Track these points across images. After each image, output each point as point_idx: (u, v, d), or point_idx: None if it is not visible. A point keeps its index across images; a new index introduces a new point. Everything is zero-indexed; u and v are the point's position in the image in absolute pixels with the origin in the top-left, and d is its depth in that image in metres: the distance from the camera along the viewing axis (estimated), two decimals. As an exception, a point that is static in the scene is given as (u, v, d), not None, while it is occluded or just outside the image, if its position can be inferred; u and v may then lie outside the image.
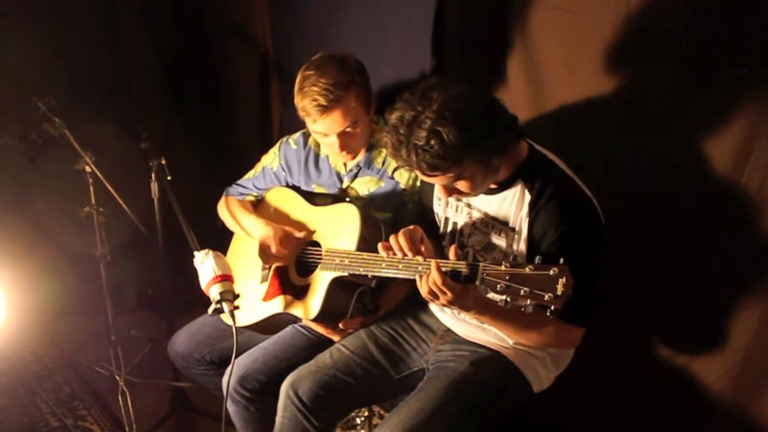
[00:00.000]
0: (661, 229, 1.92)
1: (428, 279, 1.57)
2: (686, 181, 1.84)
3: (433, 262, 1.57)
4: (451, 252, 1.59)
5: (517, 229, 1.73)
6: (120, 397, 2.48)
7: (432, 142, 1.53)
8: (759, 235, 1.74)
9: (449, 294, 1.56)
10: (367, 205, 2.04)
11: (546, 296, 1.41)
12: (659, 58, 1.81)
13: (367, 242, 1.85)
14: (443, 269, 1.56)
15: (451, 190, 1.70)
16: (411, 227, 1.69)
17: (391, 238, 1.66)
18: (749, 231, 1.76)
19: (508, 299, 1.46)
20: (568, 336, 1.74)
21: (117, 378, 2.55)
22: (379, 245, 1.69)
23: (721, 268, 1.83)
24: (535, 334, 1.75)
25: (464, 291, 1.57)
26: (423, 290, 1.60)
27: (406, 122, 1.57)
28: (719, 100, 1.74)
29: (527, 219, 1.70)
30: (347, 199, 2.08)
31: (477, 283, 1.52)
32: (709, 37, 1.71)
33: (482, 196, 1.78)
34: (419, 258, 1.62)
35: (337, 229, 1.94)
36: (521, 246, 1.73)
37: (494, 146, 1.62)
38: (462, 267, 1.55)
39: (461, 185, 1.66)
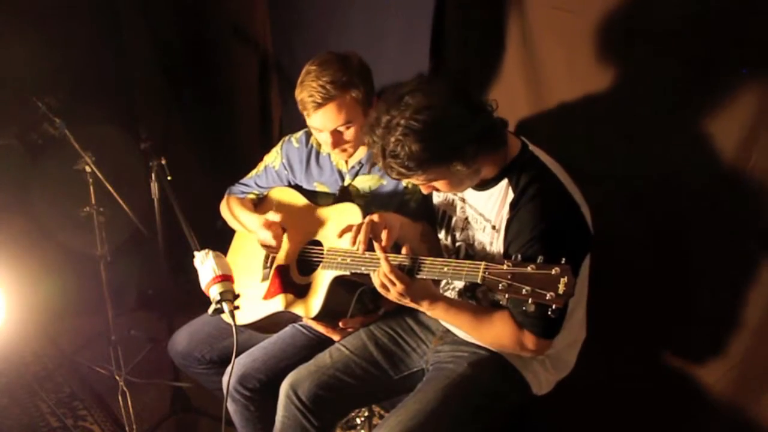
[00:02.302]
0: (660, 228, 1.92)
1: (378, 271, 1.65)
2: (685, 181, 1.84)
3: (381, 254, 1.65)
4: (404, 249, 1.65)
5: (497, 227, 1.73)
6: (120, 397, 2.49)
7: (398, 149, 1.56)
8: (759, 235, 1.74)
9: (399, 284, 1.62)
10: (368, 204, 2.04)
11: (548, 295, 1.41)
12: (659, 58, 1.81)
13: (369, 242, 1.85)
14: (393, 262, 1.63)
15: (428, 187, 1.72)
16: (375, 215, 1.76)
17: (355, 227, 1.75)
18: (749, 232, 1.76)
19: (510, 297, 1.47)
20: (527, 343, 1.69)
21: (117, 378, 2.56)
22: (340, 232, 1.79)
23: (721, 268, 1.83)
24: (489, 334, 1.74)
25: (413, 282, 1.63)
26: (376, 283, 1.67)
27: (382, 125, 1.59)
28: (719, 100, 1.74)
29: (506, 218, 1.69)
30: (348, 197, 2.08)
31: (424, 276, 1.60)
32: (709, 36, 1.71)
33: (473, 192, 1.78)
34: (367, 253, 1.71)
35: (339, 228, 1.94)
36: (500, 245, 1.72)
37: (462, 157, 1.60)
38: (405, 260, 1.64)
39: (438, 185, 1.68)
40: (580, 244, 1.68)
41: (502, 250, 1.71)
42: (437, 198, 1.94)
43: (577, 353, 1.87)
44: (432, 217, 1.96)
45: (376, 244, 1.70)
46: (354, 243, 1.75)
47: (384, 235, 1.74)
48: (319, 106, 1.88)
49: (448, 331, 1.94)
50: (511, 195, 1.69)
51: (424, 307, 1.72)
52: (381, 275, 1.65)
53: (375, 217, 1.76)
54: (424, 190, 1.74)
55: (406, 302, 1.69)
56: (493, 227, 1.73)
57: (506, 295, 1.46)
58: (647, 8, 1.79)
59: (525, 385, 1.82)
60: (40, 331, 3.15)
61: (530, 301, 1.43)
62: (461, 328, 1.80)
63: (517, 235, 1.65)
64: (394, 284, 1.63)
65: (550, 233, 1.61)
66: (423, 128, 1.54)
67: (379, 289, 1.68)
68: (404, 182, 2.02)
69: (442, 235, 1.92)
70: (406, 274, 1.64)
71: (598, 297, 1.80)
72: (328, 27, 2.65)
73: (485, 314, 1.73)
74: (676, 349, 1.99)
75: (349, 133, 1.95)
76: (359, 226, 1.75)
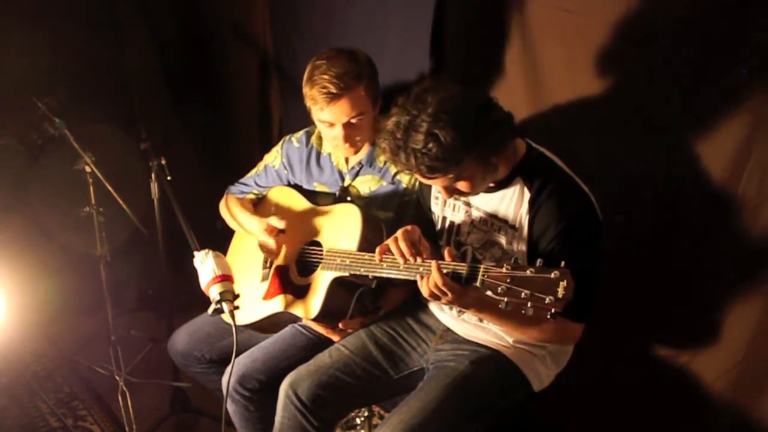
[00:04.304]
0: (660, 228, 1.92)
1: (429, 280, 1.59)
2: (686, 181, 1.84)
3: (433, 263, 1.58)
4: (446, 253, 1.60)
5: (517, 226, 1.74)
6: (120, 397, 2.48)
7: (430, 145, 1.55)
8: (758, 234, 1.75)
9: (450, 294, 1.58)
10: (368, 204, 2.04)
11: (547, 299, 1.41)
12: (658, 58, 1.81)
13: (369, 242, 1.85)
14: (444, 270, 1.57)
15: (451, 191, 1.71)
16: (408, 228, 1.69)
17: (390, 243, 1.67)
18: (749, 231, 1.76)
19: (509, 301, 1.46)
20: (568, 332, 1.74)
21: (117, 378, 2.55)
22: (376, 251, 1.69)
23: (721, 267, 1.83)
24: (535, 330, 1.75)
25: (464, 291, 1.59)
26: (424, 291, 1.62)
27: (402, 127, 1.59)
28: (719, 100, 1.74)
29: (527, 216, 1.72)
30: (348, 197, 2.09)
31: (477, 284, 1.53)
32: (709, 37, 1.71)
33: (481, 195, 1.79)
34: (419, 259, 1.63)
35: (339, 229, 1.94)
36: (521, 244, 1.74)
37: (491, 144, 1.63)
38: (462, 269, 1.56)
39: (461, 185, 1.67)
40: (598, 231, 1.73)
41: (524, 248, 1.73)
42: (436, 206, 1.94)
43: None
44: (427, 221, 1.96)
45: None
46: (405, 257, 1.64)
47: (422, 242, 1.70)
48: (334, 97, 1.87)
49: (449, 329, 1.94)
50: (527, 194, 1.72)
51: (471, 312, 1.75)
52: (432, 285, 1.59)
53: (408, 228, 1.71)
54: (445, 196, 1.73)
55: (454, 307, 1.68)
56: (512, 226, 1.75)
57: (505, 299, 1.46)
58: (647, 8, 1.79)
59: (526, 381, 1.83)
60: (40, 331, 3.14)
61: (529, 304, 1.44)
62: (506, 328, 1.81)
63: (544, 232, 1.69)
64: (446, 294, 1.59)
65: (573, 227, 1.67)
66: (453, 117, 1.55)
67: (427, 296, 1.63)
68: (404, 183, 2.02)
69: (443, 240, 1.92)
70: (464, 282, 1.57)
71: (598, 295, 1.80)
72: (328, 27, 2.65)
73: None
74: (676, 347, 1.99)
75: (361, 125, 1.95)
76: (396, 240, 1.66)
